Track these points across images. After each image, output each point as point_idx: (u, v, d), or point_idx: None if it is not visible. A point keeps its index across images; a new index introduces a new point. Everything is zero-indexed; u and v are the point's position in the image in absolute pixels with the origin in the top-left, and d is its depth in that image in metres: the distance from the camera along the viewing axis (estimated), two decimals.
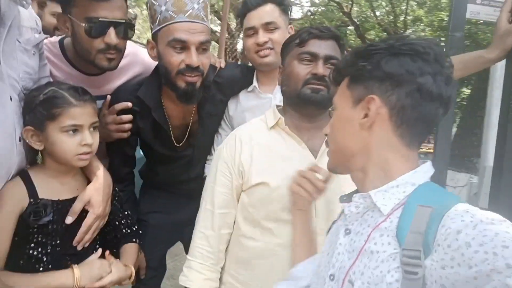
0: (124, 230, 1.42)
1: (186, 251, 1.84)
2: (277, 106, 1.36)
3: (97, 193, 1.25)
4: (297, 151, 1.24)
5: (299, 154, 1.23)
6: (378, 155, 0.80)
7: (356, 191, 0.87)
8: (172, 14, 1.35)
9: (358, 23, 11.89)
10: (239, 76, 1.70)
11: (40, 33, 1.28)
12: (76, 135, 1.19)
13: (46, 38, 1.30)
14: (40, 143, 1.19)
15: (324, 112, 1.29)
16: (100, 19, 1.30)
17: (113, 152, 1.58)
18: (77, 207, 1.21)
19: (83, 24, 1.29)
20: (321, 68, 1.19)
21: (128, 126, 1.48)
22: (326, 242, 0.94)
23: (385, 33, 12.61)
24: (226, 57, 5.58)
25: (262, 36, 1.61)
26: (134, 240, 1.44)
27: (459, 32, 1.58)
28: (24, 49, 1.19)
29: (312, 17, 11.68)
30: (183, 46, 1.35)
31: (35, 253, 1.20)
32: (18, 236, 1.18)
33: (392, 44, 0.78)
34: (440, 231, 0.66)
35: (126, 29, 1.37)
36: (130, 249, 1.42)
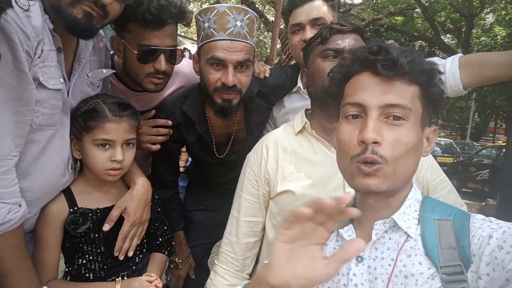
0: (156, 240, 1.43)
1: None
2: (307, 110, 1.28)
3: (133, 200, 1.27)
4: (326, 156, 1.17)
5: (328, 159, 1.16)
6: None
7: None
8: (213, 31, 1.35)
9: (426, 4, 11.00)
10: (285, 83, 1.68)
11: (109, 62, 1.36)
12: (107, 150, 1.20)
13: (113, 72, 1.38)
14: (79, 153, 1.23)
15: None
16: (151, 47, 1.34)
17: (158, 161, 1.61)
18: (113, 214, 1.23)
19: (135, 51, 1.34)
20: None
21: (161, 138, 1.49)
22: None
23: (457, 14, 11.53)
24: (282, 53, 5.48)
25: (309, 32, 1.56)
26: (163, 251, 1.45)
27: None
28: (91, 83, 1.27)
29: (374, 1, 11.06)
30: (221, 64, 1.35)
31: (84, 261, 1.24)
32: (67, 247, 1.23)
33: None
34: (473, 241, 0.68)
35: (175, 54, 1.43)
36: (159, 259, 1.43)
